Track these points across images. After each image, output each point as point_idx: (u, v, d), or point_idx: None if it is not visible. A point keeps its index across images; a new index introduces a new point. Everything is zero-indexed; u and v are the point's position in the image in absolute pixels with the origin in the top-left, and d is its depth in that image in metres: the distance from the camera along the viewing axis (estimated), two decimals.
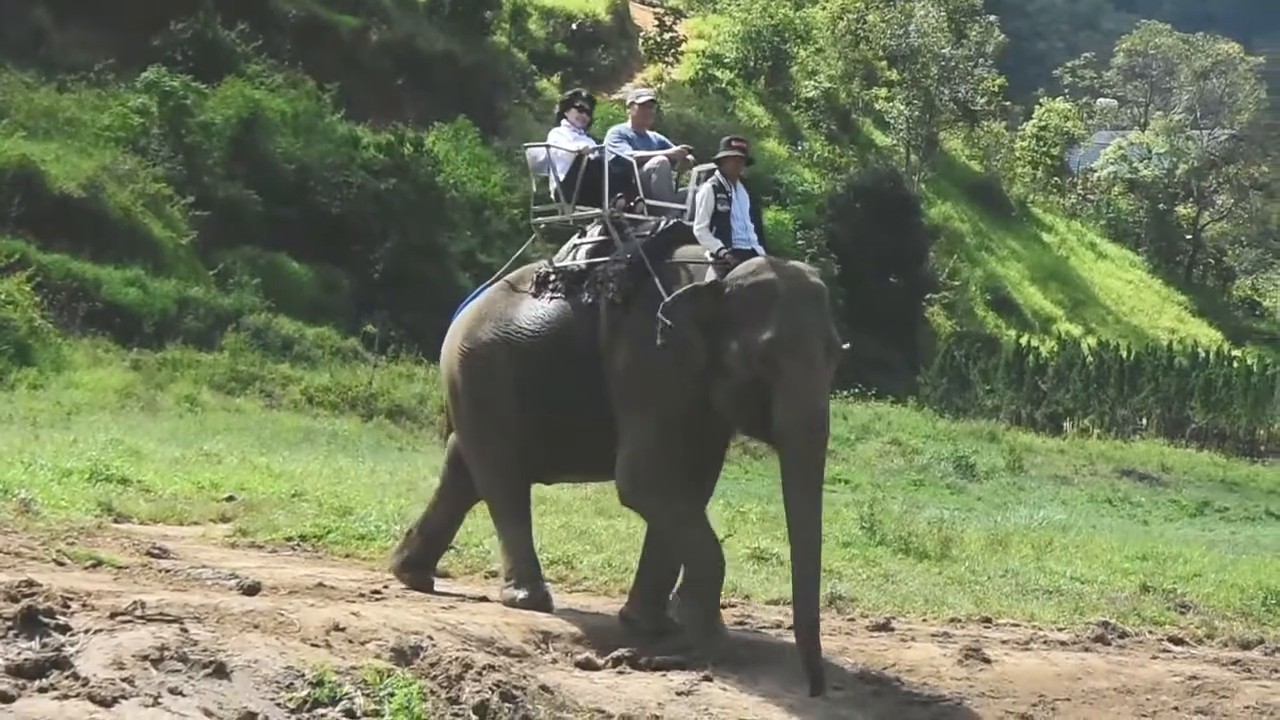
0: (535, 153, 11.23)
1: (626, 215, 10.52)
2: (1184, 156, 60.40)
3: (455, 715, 8.14)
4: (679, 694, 9.45)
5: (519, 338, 10.50)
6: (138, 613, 8.56)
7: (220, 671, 7.80)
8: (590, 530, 14.31)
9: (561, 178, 10.79)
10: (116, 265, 28.07)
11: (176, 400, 24.10)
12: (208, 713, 7.36)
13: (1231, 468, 36.79)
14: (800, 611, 9.35)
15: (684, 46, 51.04)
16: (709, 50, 51.56)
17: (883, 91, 55.55)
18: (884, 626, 11.24)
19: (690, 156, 10.98)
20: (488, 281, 11.37)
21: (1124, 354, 44.40)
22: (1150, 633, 11.96)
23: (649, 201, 10.54)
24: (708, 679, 9.74)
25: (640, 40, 50.89)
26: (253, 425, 22.83)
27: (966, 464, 29.02)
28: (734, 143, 10.50)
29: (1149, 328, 53.86)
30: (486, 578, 11.94)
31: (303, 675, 8.09)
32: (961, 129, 57.98)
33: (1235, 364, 45.97)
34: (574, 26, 47.97)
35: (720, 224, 10.04)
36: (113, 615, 8.33)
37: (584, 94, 11.51)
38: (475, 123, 38.01)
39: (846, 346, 9.84)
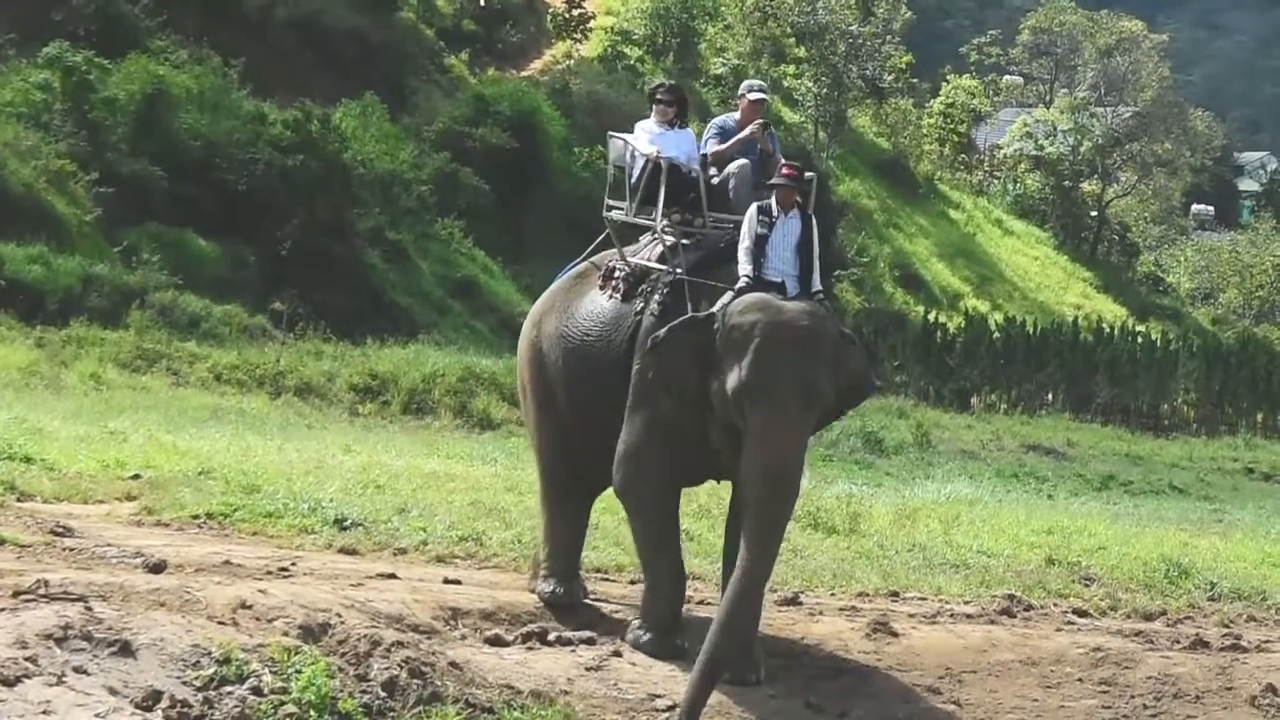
0: (616, 143, 10.84)
1: (684, 228, 10.09)
2: (1088, 134, 60.85)
3: (364, 692, 8.12)
4: (588, 669, 9.46)
5: (574, 333, 10.32)
6: (41, 591, 8.49)
7: (125, 650, 7.75)
8: (500, 506, 14.27)
9: (634, 177, 10.42)
10: (19, 243, 27.76)
11: (81, 378, 23.87)
12: (113, 691, 7.31)
13: (1136, 442, 37.20)
14: (710, 647, 8.73)
15: (592, 23, 50.91)
16: (617, 27, 51.50)
17: (791, 69, 55.66)
18: (792, 601, 11.27)
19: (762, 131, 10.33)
20: (580, 257, 11.05)
21: (1030, 330, 44.76)
22: (1055, 605, 12.06)
23: (714, 215, 10.05)
24: (617, 654, 9.76)
25: (549, 16, 50.73)
26: (159, 403, 22.65)
27: (875, 439, 29.17)
28: (784, 170, 9.70)
29: (1055, 304, 54.27)
30: (394, 555, 11.89)
31: (209, 653, 8.05)
32: (869, 106, 58.20)
33: (1139, 339, 46.46)
34: (482, 3, 47.80)
35: (759, 250, 9.47)
36: (16, 594, 8.26)
37: (666, 85, 10.97)
38: (383, 99, 37.81)
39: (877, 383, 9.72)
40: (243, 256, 31.11)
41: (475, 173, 37.86)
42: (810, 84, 54.18)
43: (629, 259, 10.26)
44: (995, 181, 65.00)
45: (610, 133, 11.14)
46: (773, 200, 9.57)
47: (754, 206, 9.57)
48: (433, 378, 27.26)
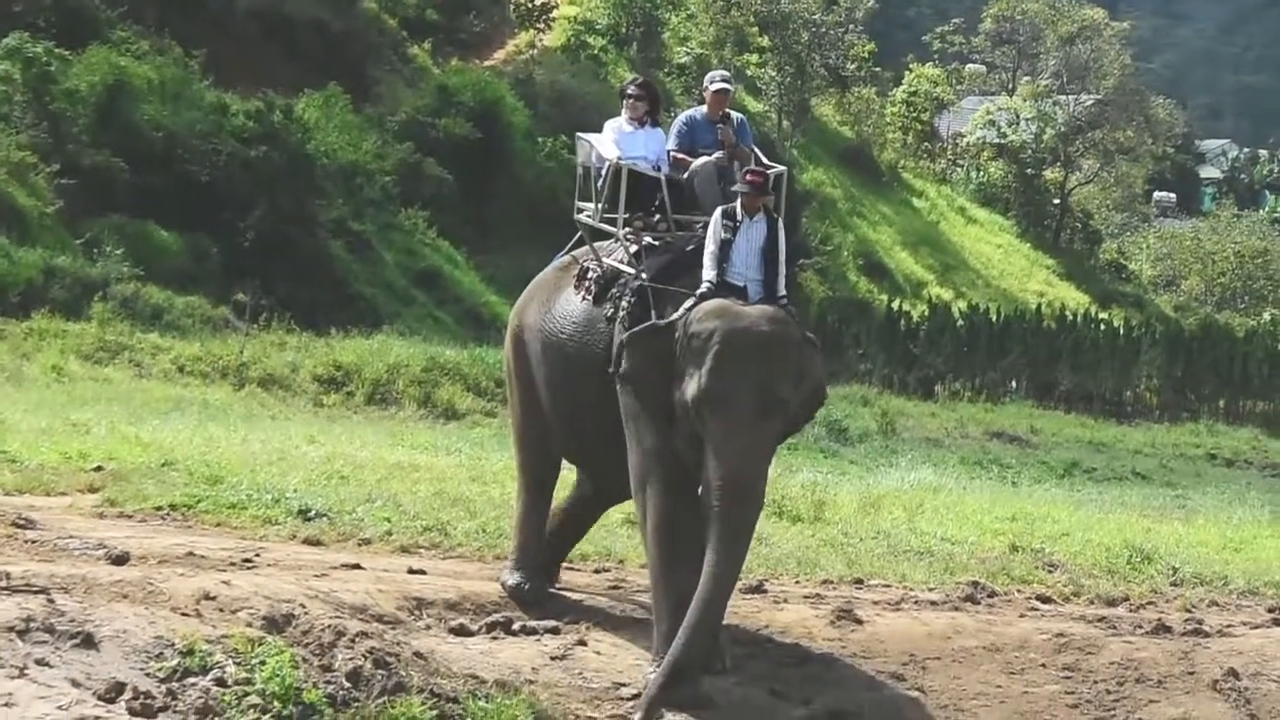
0: (584, 144, 10.70)
1: (645, 233, 9.97)
2: (1051, 121, 60.97)
3: (328, 683, 8.11)
4: (553, 658, 9.47)
5: (550, 330, 10.23)
6: (3, 584, 8.46)
7: (88, 642, 7.72)
8: (465, 497, 14.25)
9: (599, 180, 10.28)
10: None
11: (43, 370, 23.78)
12: (75, 683, 7.29)
13: (1099, 429, 37.36)
14: (675, 650, 8.72)
15: (555, 13, 50.82)
16: (580, 16, 51.40)
17: (754, 58, 55.63)
18: (757, 589, 11.28)
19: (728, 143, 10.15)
20: (561, 252, 10.87)
21: (994, 318, 44.88)
22: (1019, 592, 12.11)
23: (678, 217, 9.96)
24: (582, 643, 9.76)
25: (511, 6, 50.63)
26: (122, 395, 22.56)
27: (840, 428, 29.23)
28: (749, 176, 9.51)
29: (1018, 291, 54.39)
30: (359, 545, 11.87)
31: (172, 645, 8.03)
32: (833, 95, 58.22)
33: (1102, 326, 46.64)
34: None
35: (723, 255, 9.34)
36: None
37: (637, 81, 10.82)
38: (346, 90, 37.70)
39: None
40: (205, 248, 31.00)
41: (438, 163, 37.80)
42: (774, 73, 54.19)
43: (602, 260, 10.11)
44: (958, 170, 65.10)
45: (578, 134, 11.03)
46: (737, 204, 9.45)
47: (719, 210, 9.44)
48: (397, 368, 27.22)
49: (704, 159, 10.06)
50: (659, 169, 10.15)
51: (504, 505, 13.92)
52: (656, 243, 9.93)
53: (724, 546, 8.77)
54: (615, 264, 9.97)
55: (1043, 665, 10.11)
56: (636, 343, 9.26)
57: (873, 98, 59.88)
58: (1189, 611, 11.70)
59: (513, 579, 10.51)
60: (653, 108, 10.51)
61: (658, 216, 10.04)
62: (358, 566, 10.87)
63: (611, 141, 10.32)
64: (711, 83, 10.42)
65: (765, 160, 10.31)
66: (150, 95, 32.59)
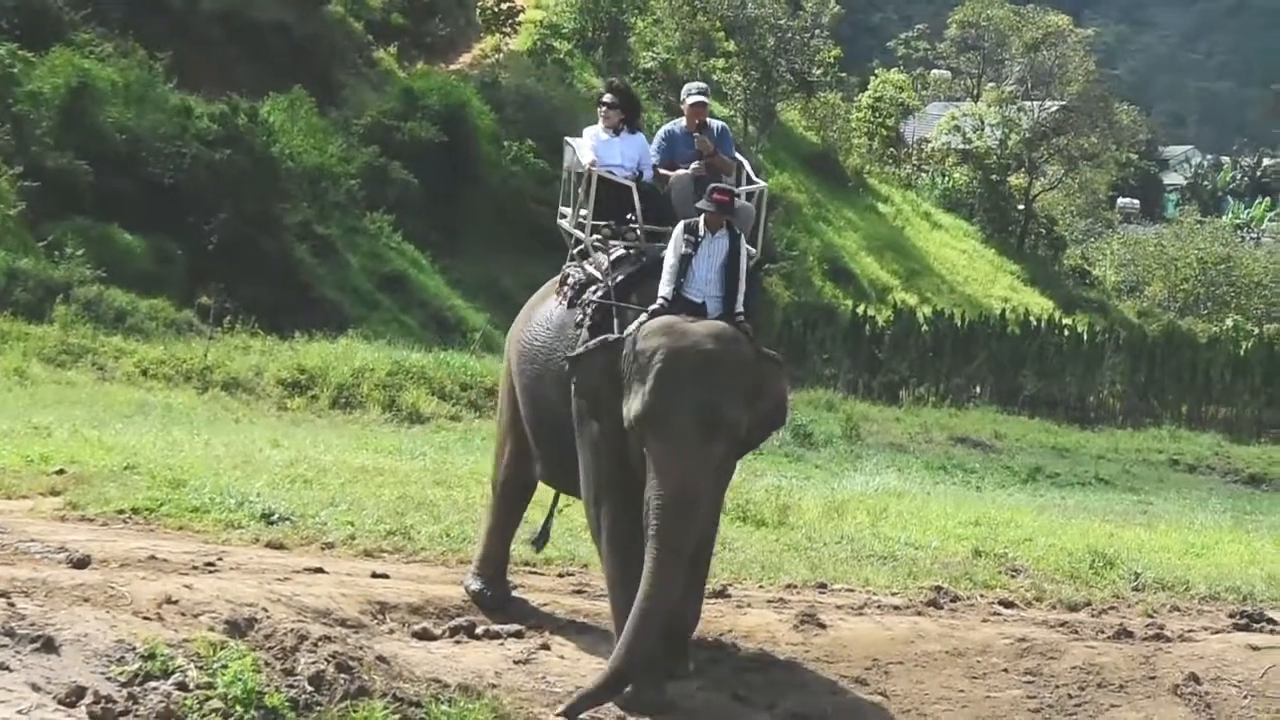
0: (568, 148, 10.74)
1: (616, 241, 9.95)
2: (1015, 127, 61.12)
3: (290, 687, 8.10)
4: (516, 662, 9.48)
5: (527, 337, 10.23)
6: None
7: (49, 646, 7.70)
8: (429, 500, 14.26)
9: (580, 185, 10.32)
10: None
11: (5, 373, 23.64)
12: (36, 687, 7.26)
13: (1062, 434, 37.42)
14: (614, 661, 8.81)
15: (521, 16, 50.80)
16: (546, 20, 51.38)
17: (720, 62, 55.64)
18: (721, 593, 11.31)
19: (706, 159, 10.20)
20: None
21: (958, 323, 44.95)
22: (981, 596, 12.16)
23: (650, 227, 9.90)
24: (545, 647, 9.77)
25: (477, 10, 50.58)
26: (84, 398, 22.48)
27: (804, 432, 29.22)
28: (714, 194, 9.46)
29: (983, 297, 54.52)
30: (322, 549, 11.86)
31: (134, 649, 8.01)
32: (798, 100, 58.29)
33: (1066, 332, 46.72)
34: None
35: (683, 269, 9.32)
36: None
37: (614, 85, 10.87)
38: (311, 93, 37.58)
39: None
40: (169, 251, 30.86)
41: (404, 166, 37.71)
42: (739, 78, 54.23)
43: (584, 266, 10.06)
44: (923, 175, 65.22)
45: (566, 139, 11.03)
46: (700, 220, 9.42)
47: (681, 225, 9.44)
48: (361, 372, 27.16)
49: (681, 171, 10.06)
50: (640, 175, 10.15)
51: (468, 509, 13.94)
52: (629, 251, 9.88)
53: (658, 566, 8.73)
54: (592, 270, 9.92)
55: (1005, 670, 10.15)
56: (588, 358, 9.22)
57: (838, 103, 59.96)
58: (1151, 616, 11.76)
59: (475, 584, 10.55)
60: (630, 114, 10.52)
61: (631, 224, 10.00)
62: (321, 570, 10.87)
63: (589, 148, 10.34)
64: (688, 95, 10.43)
65: (751, 169, 10.36)
66: (114, 98, 32.44)
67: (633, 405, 8.91)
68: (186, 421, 21.07)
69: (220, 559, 10.88)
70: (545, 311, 10.19)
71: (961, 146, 63.45)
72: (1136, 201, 77.21)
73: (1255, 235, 73.14)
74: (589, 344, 9.29)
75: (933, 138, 65.22)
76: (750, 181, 10.34)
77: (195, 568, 10.47)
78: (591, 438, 9.46)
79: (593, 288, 9.79)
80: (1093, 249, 65.69)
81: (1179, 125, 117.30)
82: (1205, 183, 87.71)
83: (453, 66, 46.23)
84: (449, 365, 28.44)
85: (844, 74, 60.69)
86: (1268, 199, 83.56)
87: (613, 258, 9.83)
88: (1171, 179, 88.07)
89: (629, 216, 10.02)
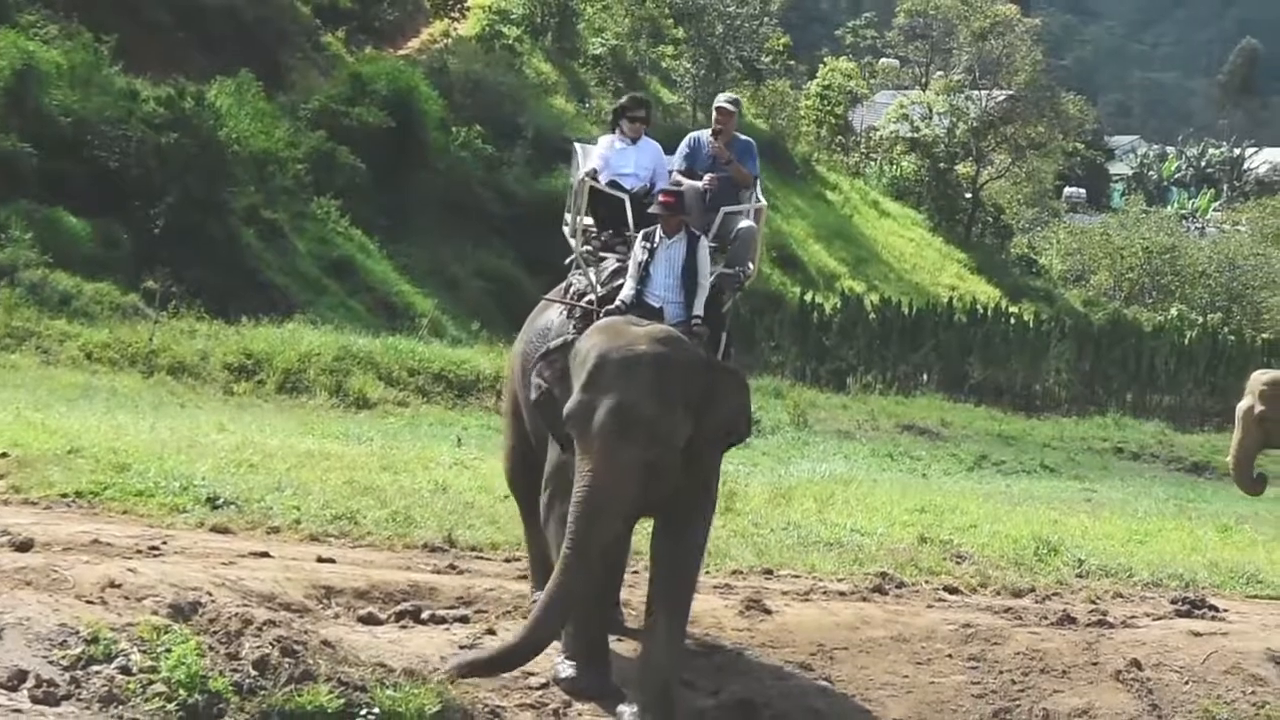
0: (575, 155, 10.71)
1: (607, 252, 9.91)
2: (963, 116, 61.24)
3: (235, 671, 8.09)
4: (462, 647, 9.46)
5: (530, 351, 9.98)
6: None
7: None
8: (375, 485, 14.24)
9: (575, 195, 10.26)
10: None
11: None
12: None
13: (1008, 422, 37.55)
14: (517, 638, 8.86)
15: (470, 2, 50.67)
16: (495, 6, 51.23)
17: (669, 49, 55.67)
18: None
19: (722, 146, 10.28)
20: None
21: (906, 311, 45.03)
22: (927, 583, 12.21)
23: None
24: (491, 632, 9.76)
25: None
26: (28, 382, 22.36)
27: (754, 421, 29.26)
28: (660, 196, 9.52)
29: (930, 285, 54.63)
30: (267, 534, 11.83)
31: (77, 632, 7.99)
32: (747, 88, 58.24)
33: (1013, 320, 46.90)
34: None
35: (642, 274, 9.34)
36: None
37: (638, 99, 10.67)
38: (258, 77, 37.35)
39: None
40: (115, 234, 30.68)
41: (352, 151, 37.54)
42: (688, 65, 54.25)
43: (586, 275, 9.90)
44: (871, 163, 65.34)
45: (576, 143, 10.99)
46: (657, 226, 9.42)
47: (641, 232, 9.47)
48: (308, 357, 27.08)
49: (690, 184, 10.03)
50: (652, 186, 10.07)
51: (414, 494, 13.95)
52: (622, 263, 9.75)
53: (564, 564, 8.67)
54: (594, 279, 9.81)
55: (949, 655, 10.19)
56: (548, 359, 9.26)
57: (787, 91, 60.00)
58: (1094, 603, 11.82)
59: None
60: (646, 122, 10.48)
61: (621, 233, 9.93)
62: (266, 555, 10.84)
63: (598, 156, 10.28)
64: (717, 102, 10.55)
65: (760, 188, 10.36)
66: (59, 80, 32.21)
67: (567, 403, 8.89)
68: (131, 405, 20.99)
69: (165, 543, 10.84)
70: (545, 321, 10.10)
71: (909, 135, 63.56)
72: (1083, 191, 77.58)
73: (1200, 225, 73.58)
74: (549, 347, 9.34)
75: (881, 126, 65.33)
76: (756, 200, 10.30)
77: (139, 552, 10.43)
78: (548, 438, 9.46)
79: (586, 298, 9.71)
80: (1039, 238, 65.92)
81: (1125, 115, 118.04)
82: (1150, 172, 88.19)
83: (401, 51, 46.07)
84: (397, 351, 28.39)
85: (792, 62, 60.80)
86: (1212, 189, 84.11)
87: (612, 269, 9.77)
88: (1117, 169, 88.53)
89: (612, 227, 9.98)
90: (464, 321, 35.40)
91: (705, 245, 9.53)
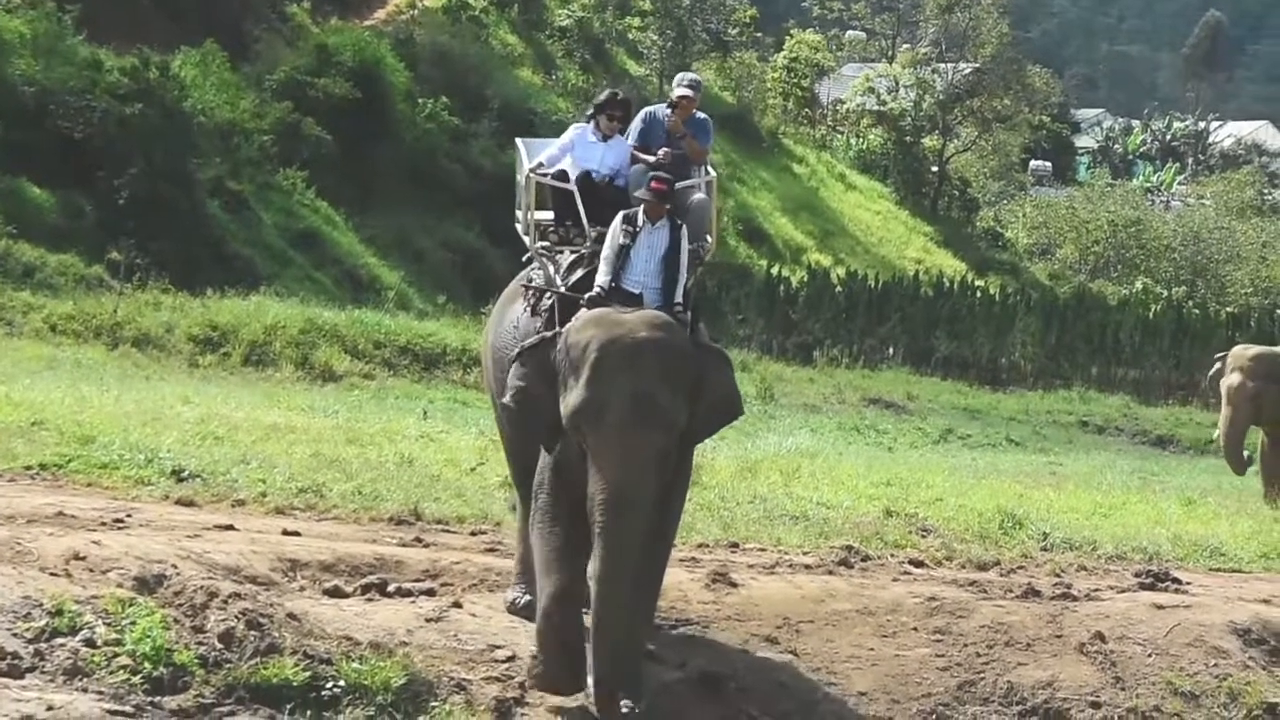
0: (519, 151, 10.45)
1: (563, 246, 9.73)
2: (929, 89, 61.24)
3: (200, 644, 8.08)
4: (428, 620, 9.45)
5: (498, 345, 9.80)
6: None
7: None
8: (341, 458, 14.21)
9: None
10: None
11: None
12: None
13: (974, 396, 37.73)
14: (595, 674, 8.57)
15: None
16: None
17: (636, 21, 55.61)
18: None
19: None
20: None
21: (872, 284, 45.13)
22: (892, 556, 12.21)
23: (598, 228, 9.53)
24: (457, 605, 9.75)
25: None
26: None
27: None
28: (652, 183, 9.30)
29: (896, 258, 54.67)
30: (233, 506, 11.80)
31: (41, 605, 7.97)
32: (714, 60, 58.24)
33: (978, 294, 47.04)
34: None
35: (621, 260, 9.12)
36: None
37: (622, 99, 10.29)
38: (223, 48, 37.27)
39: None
40: (79, 205, 30.57)
41: (317, 123, 37.46)
42: (655, 36, 54.20)
43: (546, 271, 9.76)
44: (838, 136, 65.33)
45: (517, 140, 10.80)
46: (639, 210, 9.26)
47: (620, 215, 9.26)
48: (274, 329, 27.04)
49: (640, 165, 9.85)
50: (624, 181, 9.91)
51: (380, 467, 13.94)
52: (580, 255, 9.61)
53: (608, 564, 8.42)
54: (552, 274, 9.67)
55: (914, 629, 10.21)
56: (526, 356, 8.95)
57: (754, 63, 59.94)
58: (1058, 576, 11.85)
59: (524, 598, 9.75)
60: (623, 121, 10.37)
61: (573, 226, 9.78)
62: (231, 528, 10.81)
63: (559, 146, 10.11)
64: (678, 85, 10.28)
65: (710, 163, 10.27)
66: (22, 50, 32.05)
67: (570, 399, 8.62)
68: (96, 378, 20.90)
69: (129, 516, 10.80)
70: (511, 318, 9.86)
71: (876, 108, 63.59)
72: (1049, 164, 77.63)
73: (1165, 199, 73.74)
74: (527, 343, 9.02)
75: (847, 99, 65.32)
76: (706, 173, 10.20)
77: (104, 524, 10.39)
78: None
79: (548, 294, 9.50)
80: (1005, 211, 65.98)
81: (1091, 88, 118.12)
82: (1116, 146, 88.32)
83: (367, 22, 45.91)
84: (362, 323, 28.37)
85: (759, 34, 60.71)
86: (1177, 163, 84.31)
87: (569, 262, 9.61)
88: (1083, 142, 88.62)
89: (569, 220, 9.79)
90: (430, 294, 35.38)
91: (685, 232, 9.38)
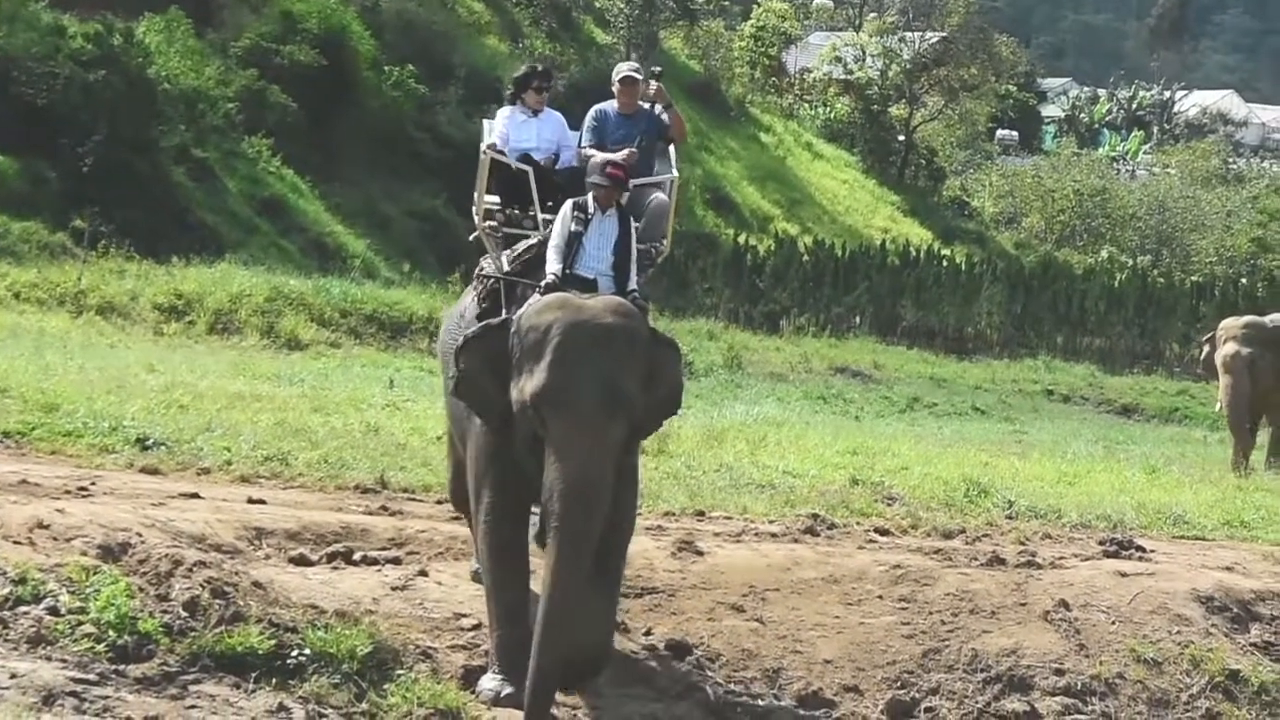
0: (484, 130, 10.23)
1: (508, 228, 9.56)
2: (896, 58, 61.26)
3: (164, 612, 8.07)
4: (394, 589, 9.46)
5: (450, 342, 9.43)
6: None
7: None
8: (306, 427, 14.20)
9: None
10: None
11: None
12: None
13: (940, 365, 37.80)
14: (533, 668, 8.10)
15: None
16: None
17: None
18: None
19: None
20: None
21: (839, 253, 45.16)
22: (858, 524, 12.25)
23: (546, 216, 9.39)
24: (423, 574, 9.75)
25: None
26: None
27: (685, 362, 29.26)
28: (608, 169, 9.15)
29: (863, 227, 54.71)
30: (198, 475, 11.78)
31: (4, 573, 7.95)
32: (681, 28, 58.18)
33: (945, 263, 47.10)
34: None
35: (574, 247, 8.89)
36: None
37: (542, 69, 10.21)
38: (188, 14, 37.06)
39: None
40: (42, 172, 30.40)
41: (283, 90, 37.31)
42: (622, 5, 54.04)
43: (495, 258, 9.53)
44: (805, 105, 65.30)
45: (484, 120, 10.61)
46: (589, 197, 9.08)
47: (569, 202, 9.06)
48: (239, 297, 26.96)
49: (602, 156, 9.59)
50: (557, 157, 9.84)
51: (346, 436, 13.91)
52: (528, 236, 9.44)
53: (565, 558, 8.13)
54: (503, 262, 9.42)
55: (879, 596, 10.25)
56: (472, 344, 8.71)
57: (721, 31, 59.89)
58: (1023, 544, 11.90)
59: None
60: (549, 92, 10.19)
61: (527, 209, 9.62)
62: (196, 496, 10.80)
63: (498, 131, 9.94)
64: (617, 75, 10.11)
65: (673, 164, 10.12)
66: None
67: (527, 385, 8.34)
68: (60, 346, 20.82)
69: (94, 484, 10.78)
70: (459, 309, 9.71)
71: (843, 77, 63.59)
72: (1015, 133, 77.71)
73: (1130, 168, 73.88)
74: (473, 330, 8.80)
75: (814, 68, 65.31)
76: (670, 172, 10.02)
77: (68, 492, 10.37)
78: (475, 430, 8.98)
79: (495, 280, 9.30)
80: (972, 180, 66.06)
81: (1058, 57, 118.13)
82: (1082, 115, 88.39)
83: None
84: (328, 292, 28.30)
85: (727, 2, 60.61)
86: (1142, 132, 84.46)
87: (523, 246, 9.35)
88: (1050, 111, 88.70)
89: (516, 204, 9.65)
90: (396, 263, 35.30)
91: (633, 224, 9.22)
